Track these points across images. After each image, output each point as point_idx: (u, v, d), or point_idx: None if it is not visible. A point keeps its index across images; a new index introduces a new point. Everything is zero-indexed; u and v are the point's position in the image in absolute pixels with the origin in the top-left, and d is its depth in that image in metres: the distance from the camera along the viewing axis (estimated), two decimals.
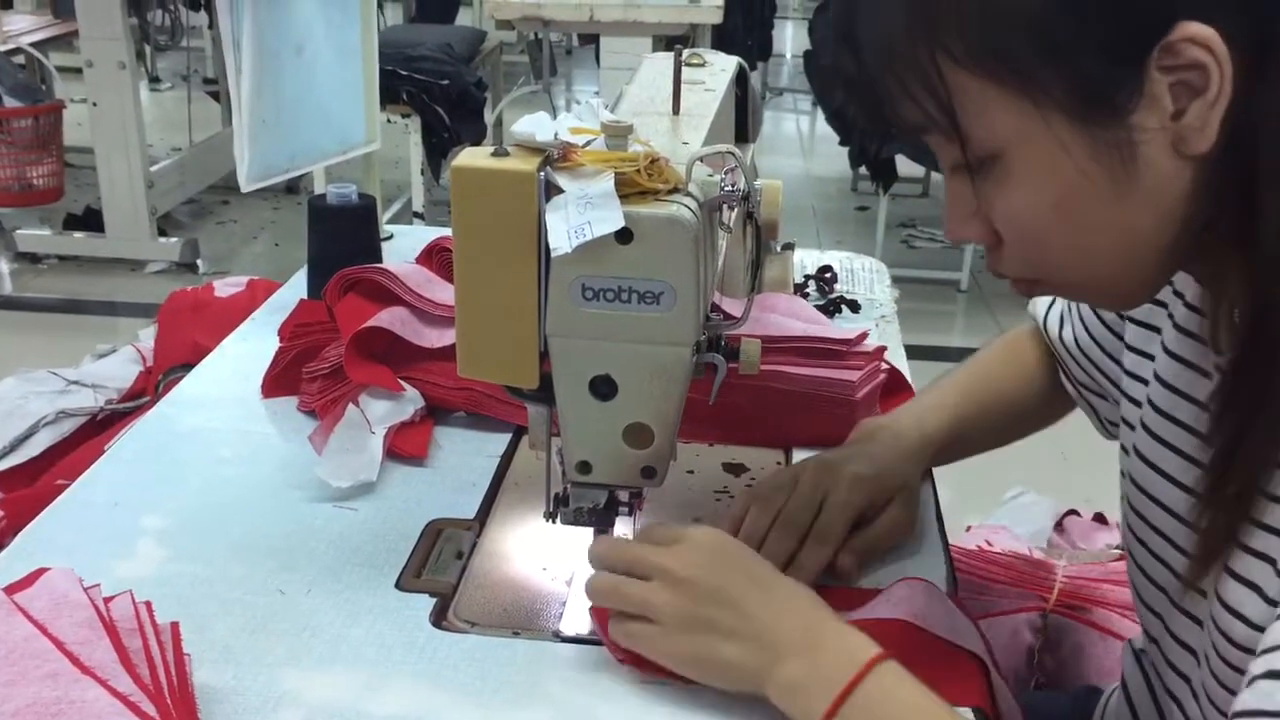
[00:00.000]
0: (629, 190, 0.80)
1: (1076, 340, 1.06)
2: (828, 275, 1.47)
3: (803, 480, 0.97)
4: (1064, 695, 1.26)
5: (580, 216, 0.79)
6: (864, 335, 1.14)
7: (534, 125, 0.83)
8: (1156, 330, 0.90)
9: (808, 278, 1.47)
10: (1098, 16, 0.66)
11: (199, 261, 3.98)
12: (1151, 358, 0.91)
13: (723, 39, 5.43)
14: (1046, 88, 0.68)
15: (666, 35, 3.52)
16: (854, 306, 1.42)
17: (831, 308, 1.41)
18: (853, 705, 0.73)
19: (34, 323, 3.62)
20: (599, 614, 0.85)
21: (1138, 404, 0.91)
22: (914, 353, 3.98)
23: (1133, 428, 0.91)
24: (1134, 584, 0.94)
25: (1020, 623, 1.40)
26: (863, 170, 4.40)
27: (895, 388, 1.19)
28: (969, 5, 0.68)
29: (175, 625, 0.79)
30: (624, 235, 0.79)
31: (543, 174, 0.80)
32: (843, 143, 4.03)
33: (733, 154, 0.84)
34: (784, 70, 7.38)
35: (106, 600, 0.78)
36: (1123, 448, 0.95)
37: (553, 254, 0.79)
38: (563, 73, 6.91)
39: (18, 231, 4.00)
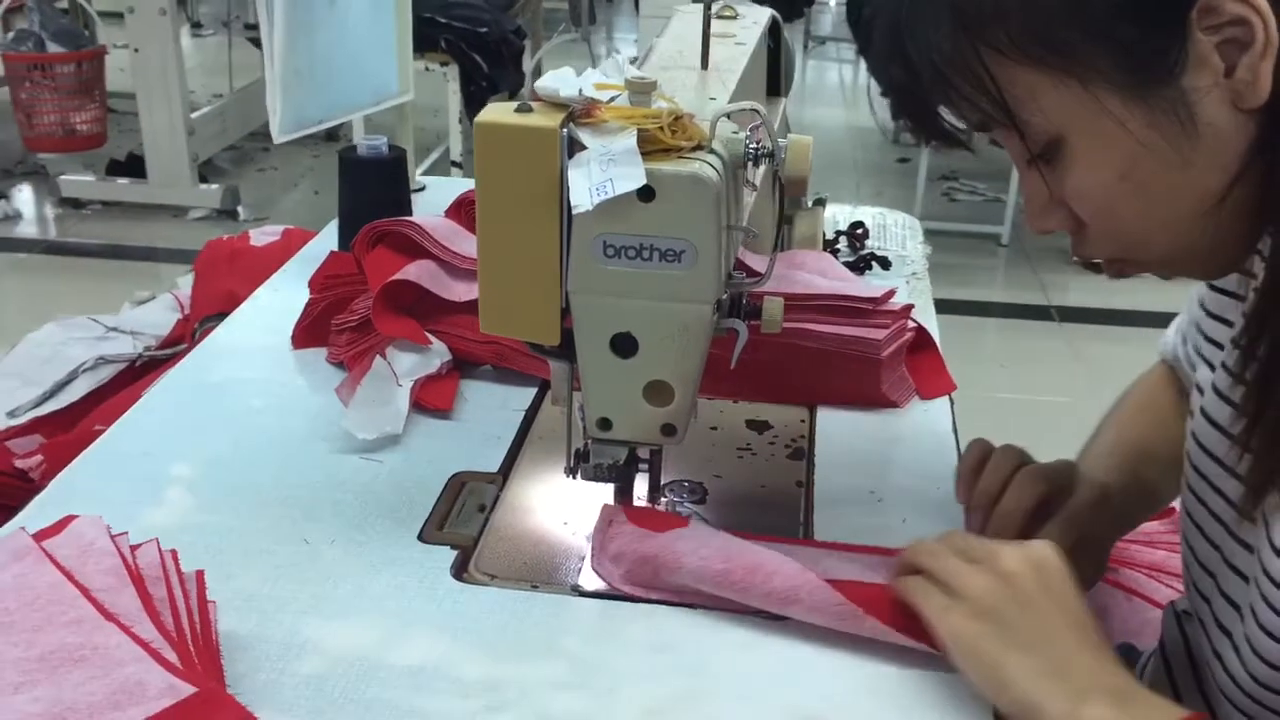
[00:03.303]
0: (651, 147, 0.80)
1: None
2: (859, 231, 1.46)
3: (1055, 462, 0.96)
4: None
5: (602, 174, 0.79)
6: (891, 293, 1.13)
7: (558, 80, 0.83)
8: (1241, 298, 0.89)
9: (839, 234, 1.46)
10: None
11: (239, 208, 4.01)
12: (1230, 324, 0.90)
13: None
14: (1090, 64, 0.68)
15: None
16: (884, 263, 1.41)
17: (862, 264, 1.40)
18: None
19: (77, 267, 3.67)
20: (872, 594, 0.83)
21: (1211, 367, 0.91)
22: (954, 307, 3.94)
23: (1201, 392, 0.91)
24: (1187, 541, 0.94)
25: None
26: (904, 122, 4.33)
27: (921, 345, 1.18)
28: None
29: (200, 573, 0.80)
30: (646, 193, 0.79)
31: (565, 130, 0.80)
32: (884, 93, 3.97)
33: (757, 111, 0.84)
34: (827, 19, 7.28)
35: (133, 548, 0.79)
36: (1189, 411, 0.94)
37: (574, 211, 0.79)
38: (603, 20, 6.85)
39: (62, 177, 4.03)
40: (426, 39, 3.64)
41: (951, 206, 4.33)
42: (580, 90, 0.82)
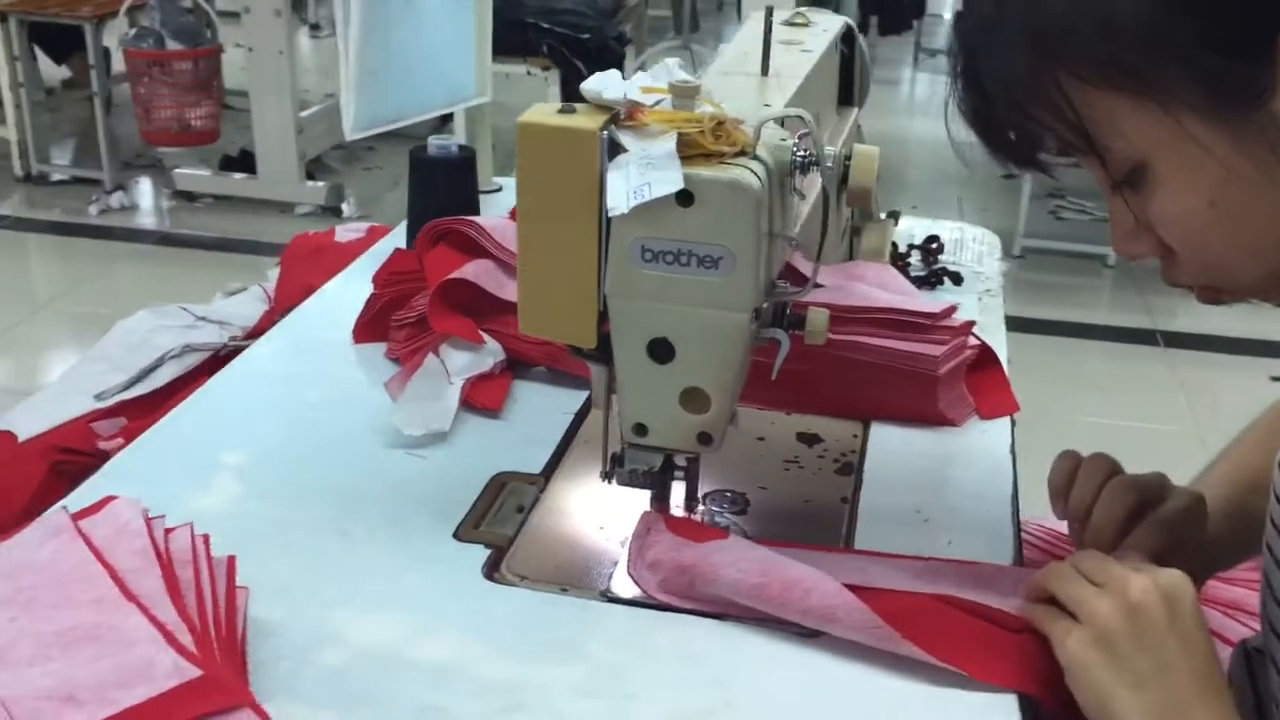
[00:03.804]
0: (692, 152, 0.79)
1: None
2: (933, 246, 1.43)
3: (1146, 474, 0.94)
4: None
5: (640, 177, 0.78)
6: (952, 309, 1.10)
7: (603, 83, 0.82)
8: None
9: (911, 247, 1.43)
10: (1213, 15, 0.65)
11: (344, 205, 4.09)
12: None
13: None
14: (1172, 90, 0.67)
15: None
16: (956, 279, 1.37)
17: (934, 279, 1.37)
18: None
19: (188, 258, 3.78)
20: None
21: None
22: (1056, 328, 3.85)
23: None
24: (1267, 579, 0.90)
25: None
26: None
27: (985, 363, 1.15)
28: (1081, 21, 0.68)
29: (231, 559, 0.81)
30: (685, 197, 0.78)
31: (606, 132, 0.79)
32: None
33: (802, 118, 0.82)
34: (940, 30, 7.17)
35: (167, 531, 0.81)
36: None
37: (610, 214, 0.78)
38: (710, 28, 6.84)
39: (177, 170, 4.17)
40: (529, 44, 3.68)
41: (1058, 225, 4.23)
42: (625, 93, 0.81)
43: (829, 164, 0.83)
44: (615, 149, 0.79)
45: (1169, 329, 3.51)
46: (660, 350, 0.84)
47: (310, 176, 4.18)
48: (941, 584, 0.84)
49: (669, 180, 0.77)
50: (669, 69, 0.86)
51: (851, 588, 0.81)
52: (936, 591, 0.82)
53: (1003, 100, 0.72)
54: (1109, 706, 0.74)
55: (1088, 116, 0.70)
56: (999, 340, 1.24)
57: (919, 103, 6.19)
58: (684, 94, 0.81)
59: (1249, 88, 0.66)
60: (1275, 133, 0.66)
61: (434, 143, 1.31)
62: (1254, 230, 0.70)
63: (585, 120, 0.80)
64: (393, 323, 1.19)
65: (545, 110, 0.81)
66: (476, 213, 1.34)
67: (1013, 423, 1.13)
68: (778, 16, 1.18)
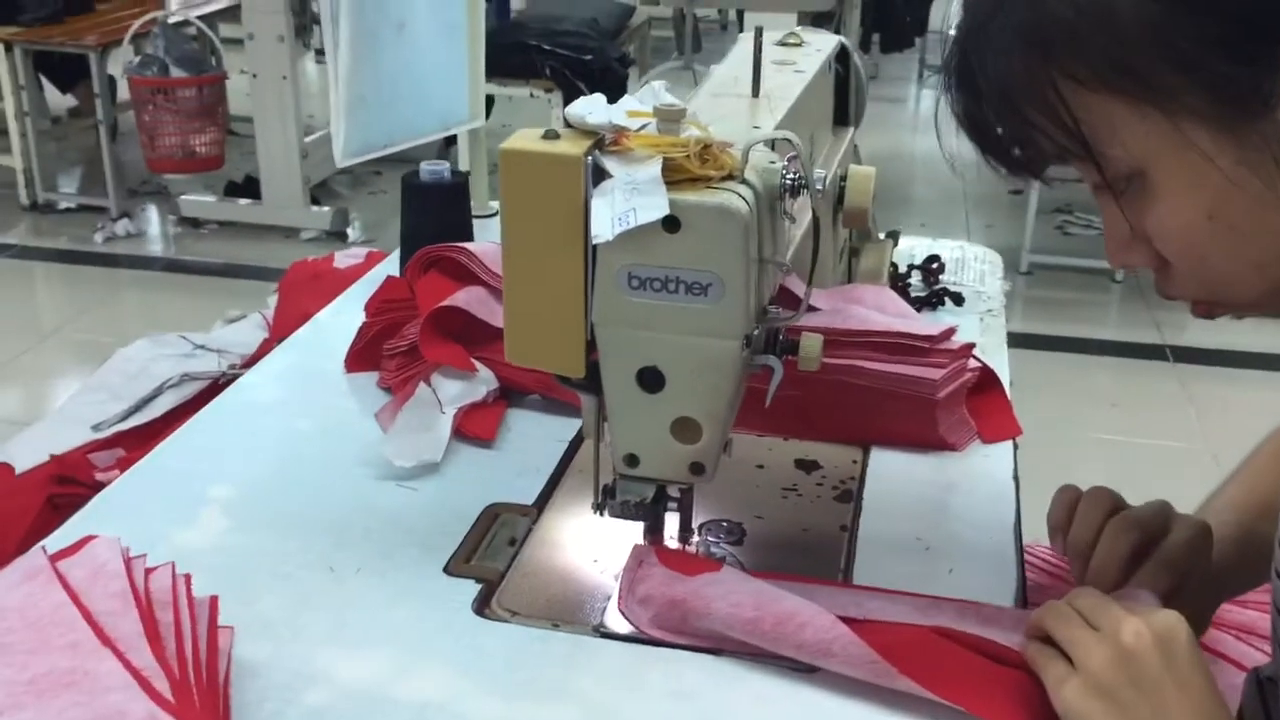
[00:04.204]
0: (679, 176, 0.77)
1: None
2: (934, 266, 1.41)
3: (1148, 503, 0.92)
4: None
5: (625, 203, 0.77)
6: (951, 331, 1.08)
7: (589, 107, 0.81)
8: None
9: (911, 267, 1.41)
10: (1219, 20, 0.63)
11: (349, 230, 4.09)
12: None
13: (881, 13, 5.31)
14: (1177, 97, 0.65)
15: (814, 10, 3.45)
16: (958, 299, 1.35)
17: (934, 299, 1.35)
18: None
19: (194, 284, 3.77)
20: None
21: None
22: (1064, 344, 3.82)
23: None
24: (1277, 605, 0.88)
25: None
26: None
27: (986, 386, 1.13)
28: (1084, 25, 0.66)
29: (214, 599, 0.80)
30: (671, 223, 0.76)
31: (590, 158, 0.78)
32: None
33: (789, 141, 0.81)
34: (943, 48, 7.16)
35: (148, 571, 0.79)
36: None
37: (594, 241, 0.77)
38: (713, 49, 6.83)
39: (182, 197, 4.17)
40: (532, 66, 3.68)
41: (1065, 240, 4.20)
42: (609, 118, 0.80)
43: (818, 187, 0.82)
44: (600, 175, 0.78)
45: (1178, 344, 3.48)
46: (650, 379, 0.82)
47: (315, 201, 4.18)
48: (940, 618, 0.82)
49: (654, 206, 0.76)
50: (655, 92, 0.84)
51: (847, 620, 0.79)
52: (934, 624, 0.80)
53: (996, 101, 0.71)
54: None
55: (1084, 121, 0.68)
56: (1001, 361, 1.22)
57: (923, 120, 6.17)
58: (669, 117, 0.79)
59: (1255, 95, 0.64)
60: (1279, 143, 0.64)
61: (426, 168, 1.29)
62: (1255, 244, 0.68)
63: (569, 146, 0.78)
64: (384, 351, 1.17)
65: (529, 136, 0.80)
66: (470, 238, 1.32)
67: (1015, 446, 1.11)
68: (770, 37, 1.16)
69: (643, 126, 0.80)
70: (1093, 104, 0.67)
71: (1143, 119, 0.66)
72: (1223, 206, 0.67)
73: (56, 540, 0.87)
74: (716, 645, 0.83)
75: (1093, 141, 0.68)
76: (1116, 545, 0.88)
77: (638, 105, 0.83)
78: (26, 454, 1.71)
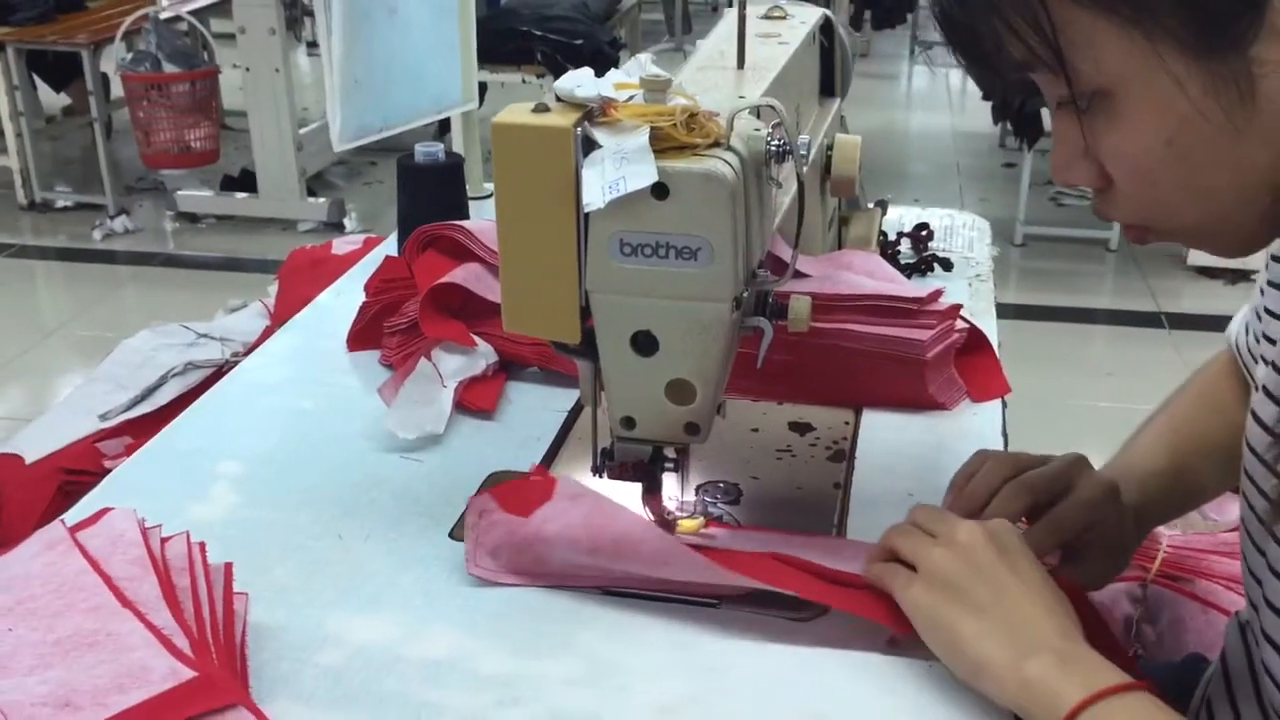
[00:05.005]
0: (666, 145, 0.80)
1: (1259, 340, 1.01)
2: (923, 233, 1.43)
3: (1054, 462, 0.95)
4: (1171, 663, 1.22)
5: (615, 171, 0.79)
6: (938, 294, 1.11)
7: (576, 80, 0.83)
8: None
9: (900, 235, 1.43)
10: None
11: (346, 220, 4.11)
12: None
13: None
14: (1161, 19, 0.66)
15: None
16: (946, 265, 1.38)
17: (923, 266, 1.37)
18: (1106, 707, 0.71)
19: (192, 279, 3.80)
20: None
21: (1269, 364, 0.87)
22: (1060, 314, 3.82)
23: (1257, 389, 0.87)
24: (1243, 551, 0.90)
25: (1119, 592, 1.36)
26: (1008, 125, 4.26)
27: (975, 347, 1.15)
28: None
29: (228, 565, 0.82)
30: (660, 190, 0.79)
31: (579, 129, 0.80)
32: (985, 97, 3.91)
33: (773, 108, 0.83)
34: (934, 24, 7.17)
35: (164, 540, 0.82)
36: (1249, 412, 0.91)
37: (585, 209, 0.79)
38: (704, 30, 6.83)
39: (179, 192, 4.20)
40: (523, 51, 3.70)
41: (1059, 211, 4.23)
42: (598, 90, 0.82)
43: (801, 151, 0.84)
44: (590, 145, 0.80)
45: (1173, 311, 3.51)
46: (643, 343, 0.85)
47: (311, 193, 4.20)
48: (787, 549, 0.87)
49: (643, 174, 0.78)
50: (641, 64, 0.87)
51: (706, 551, 0.84)
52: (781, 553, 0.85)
53: (981, 4, 0.70)
54: (958, 642, 0.76)
55: (1063, 32, 0.68)
56: (989, 324, 1.24)
57: (917, 96, 6.19)
58: (656, 88, 0.82)
59: (1235, 27, 0.65)
60: (1247, 80, 0.66)
61: (421, 149, 1.32)
62: (1206, 173, 0.69)
63: (559, 118, 0.81)
64: (385, 329, 1.20)
65: (519, 110, 0.82)
66: (466, 217, 1.35)
67: (1004, 405, 1.13)
68: (755, 10, 1.18)
69: (630, 98, 0.83)
70: (1078, 17, 0.67)
71: (1123, 38, 0.67)
72: (1182, 134, 0.68)
73: (75, 516, 0.90)
74: (562, 581, 0.87)
75: (1066, 54, 0.69)
76: (1006, 508, 0.90)
77: (624, 78, 0.85)
78: (35, 445, 1.74)
